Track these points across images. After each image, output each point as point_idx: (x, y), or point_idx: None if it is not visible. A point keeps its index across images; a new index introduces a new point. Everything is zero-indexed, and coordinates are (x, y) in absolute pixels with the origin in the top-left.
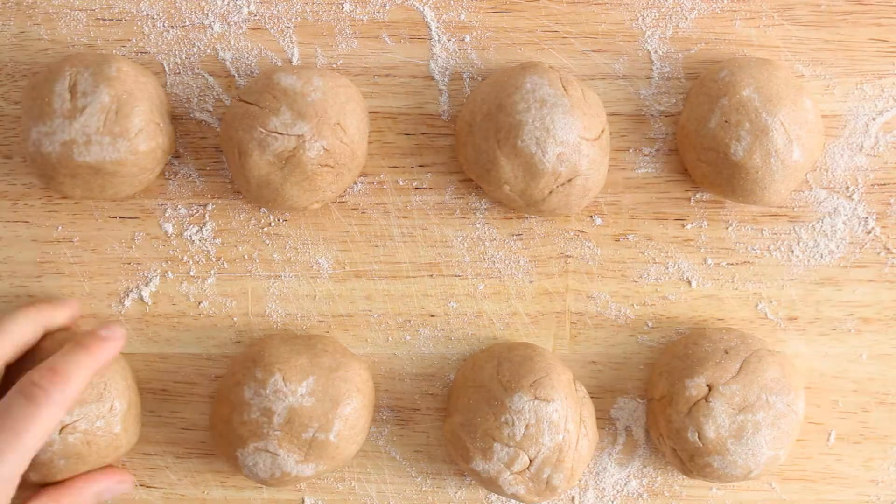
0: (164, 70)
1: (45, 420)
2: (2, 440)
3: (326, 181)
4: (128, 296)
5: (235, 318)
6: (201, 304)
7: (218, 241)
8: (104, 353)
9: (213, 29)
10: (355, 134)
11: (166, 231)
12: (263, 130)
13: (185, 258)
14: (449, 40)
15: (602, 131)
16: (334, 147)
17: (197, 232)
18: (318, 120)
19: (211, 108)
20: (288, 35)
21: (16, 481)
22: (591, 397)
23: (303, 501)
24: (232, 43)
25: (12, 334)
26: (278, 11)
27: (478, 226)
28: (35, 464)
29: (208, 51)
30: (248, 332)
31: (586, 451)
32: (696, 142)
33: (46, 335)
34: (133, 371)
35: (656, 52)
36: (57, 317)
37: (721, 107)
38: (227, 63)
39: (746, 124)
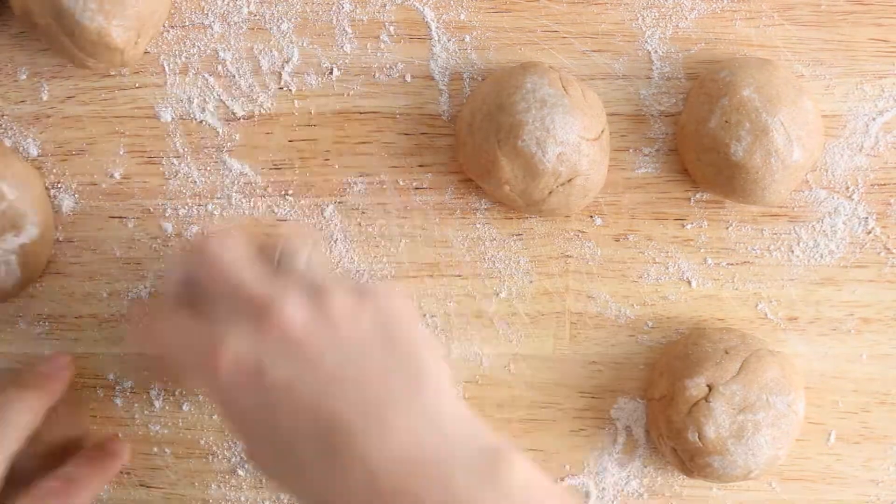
0: (164, 70)
1: None
2: None
3: None
4: (128, 296)
5: None
6: None
7: None
8: (112, 471)
9: (213, 29)
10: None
11: (166, 231)
12: None
13: None
14: (449, 40)
15: (602, 131)
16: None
17: (197, 232)
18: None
19: (212, 109)
20: (288, 35)
21: None
22: (591, 397)
23: None
24: (232, 43)
25: (17, 426)
26: (278, 11)
27: (478, 226)
28: None
29: (208, 51)
30: None
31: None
32: (696, 142)
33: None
34: None
35: (656, 52)
36: (56, 391)
37: (721, 107)
38: (228, 63)
39: (746, 124)
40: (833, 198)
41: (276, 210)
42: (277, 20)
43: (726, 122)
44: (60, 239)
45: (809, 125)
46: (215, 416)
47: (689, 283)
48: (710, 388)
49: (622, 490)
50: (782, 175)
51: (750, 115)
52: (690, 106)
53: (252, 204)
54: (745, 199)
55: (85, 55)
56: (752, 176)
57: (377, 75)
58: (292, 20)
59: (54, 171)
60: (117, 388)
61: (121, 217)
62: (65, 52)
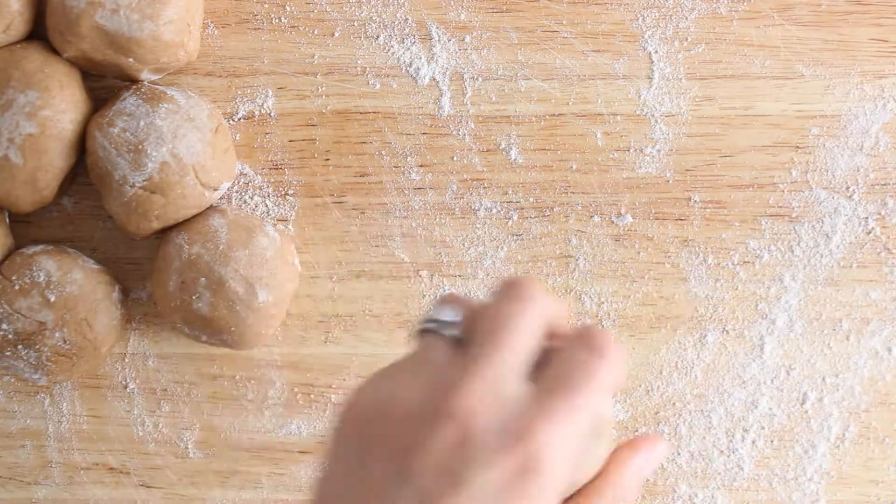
0: None
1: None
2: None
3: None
4: (128, 296)
5: None
6: None
7: None
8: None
9: (212, 29)
10: (101, 332)
11: None
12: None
13: None
14: (449, 40)
15: None
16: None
17: None
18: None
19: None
20: (287, 35)
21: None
22: None
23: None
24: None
25: (533, 335)
26: (277, 11)
27: (478, 226)
28: None
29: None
30: None
31: None
32: (166, 306)
33: None
34: None
35: (656, 52)
36: (561, 318)
37: (176, 269)
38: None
39: (202, 280)
40: (833, 198)
41: (276, 210)
42: (277, 20)
43: (183, 282)
44: (60, 239)
45: (269, 263)
46: (214, 417)
47: (689, 283)
48: None
49: None
50: (254, 319)
51: (203, 270)
52: (156, 273)
53: (252, 204)
54: (230, 347)
55: (150, 67)
56: (221, 326)
57: (377, 75)
58: (291, 20)
59: None
60: (121, 388)
61: None
62: (129, 75)
